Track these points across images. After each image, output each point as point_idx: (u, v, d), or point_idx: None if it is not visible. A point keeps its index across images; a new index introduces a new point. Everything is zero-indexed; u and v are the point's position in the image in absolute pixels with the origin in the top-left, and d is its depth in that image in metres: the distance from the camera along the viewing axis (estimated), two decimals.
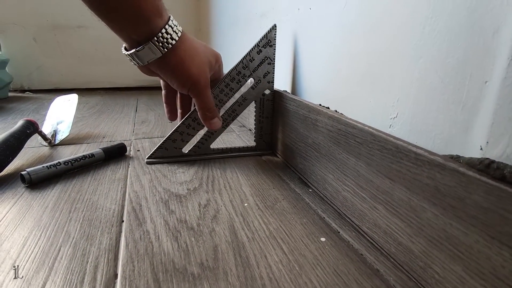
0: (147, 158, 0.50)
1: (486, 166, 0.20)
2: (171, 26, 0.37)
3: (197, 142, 0.52)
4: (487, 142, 0.21)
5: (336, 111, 0.38)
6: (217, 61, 0.46)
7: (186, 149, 0.51)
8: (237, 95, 0.51)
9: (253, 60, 0.48)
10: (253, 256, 0.28)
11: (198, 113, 0.45)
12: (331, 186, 0.37)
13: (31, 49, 1.14)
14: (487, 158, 0.20)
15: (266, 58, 0.49)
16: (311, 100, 0.44)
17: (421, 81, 0.26)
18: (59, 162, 0.43)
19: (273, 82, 0.51)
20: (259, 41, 0.48)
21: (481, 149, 0.21)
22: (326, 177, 0.38)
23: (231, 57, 0.87)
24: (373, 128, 0.30)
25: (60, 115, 0.63)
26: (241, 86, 0.50)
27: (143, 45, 0.36)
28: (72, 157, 0.45)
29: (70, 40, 1.17)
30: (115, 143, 0.58)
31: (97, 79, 1.25)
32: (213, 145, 0.53)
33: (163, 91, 0.48)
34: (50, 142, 0.57)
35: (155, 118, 0.79)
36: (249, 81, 0.50)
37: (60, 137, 0.58)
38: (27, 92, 1.16)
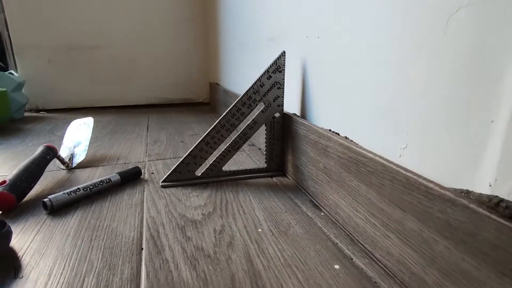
0: (162, 182, 0.52)
1: (495, 204, 0.21)
2: None
3: (210, 164, 0.53)
4: (496, 180, 0.22)
5: (346, 137, 0.39)
6: None
7: (199, 172, 0.53)
8: (248, 118, 0.52)
9: (263, 85, 0.50)
10: (270, 285, 0.29)
11: None
12: (343, 211, 0.38)
13: (46, 71, 1.18)
14: (496, 196, 0.21)
15: (275, 83, 0.50)
16: (320, 125, 0.45)
17: (429, 115, 0.27)
18: (78, 188, 0.45)
19: (282, 106, 0.52)
20: (268, 67, 0.50)
21: (489, 185, 0.22)
22: (338, 202, 0.39)
23: (239, 78, 0.90)
24: (383, 158, 0.31)
25: (77, 138, 0.65)
26: (251, 110, 0.51)
27: None
28: (90, 182, 0.47)
29: (83, 61, 1.21)
30: (130, 165, 0.59)
31: (109, 98, 1.28)
32: (225, 167, 0.54)
33: None
34: (68, 165, 0.59)
35: (166, 137, 0.81)
36: (259, 105, 0.51)
37: (77, 160, 0.60)
38: (42, 112, 1.20)
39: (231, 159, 0.63)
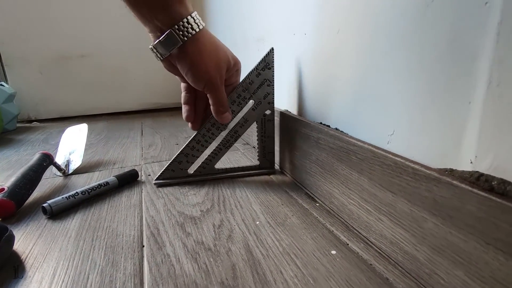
0: (155, 180, 0.52)
1: (476, 179, 0.22)
2: (193, 18, 0.40)
3: (202, 162, 0.54)
4: (476, 157, 0.23)
5: (336, 129, 0.41)
6: (236, 65, 0.48)
7: (191, 170, 0.53)
8: (239, 116, 0.53)
9: (253, 82, 0.51)
10: (270, 272, 0.30)
11: (212, 108, 0.47)
12: (337, 200, 0.39)
13: (37, 81, 1.18)
14: (477, 171, 0.22)
15: (265, 80, 0.52)
16: (311, 119, 0.46)
17: (414, 100, 0.29)
18: (76, 192, 0.46)
19: (273, 103, 0.53)
20: (257, 65, 0.51)
21: (471, 162, 0.23)
22: (332, 191, 0.40)
23: None
24: (372, 145, 0.32)
25: (72, 145, 0.65)
26: (241, 108, 0.52)
27: (165, 32, 0.39)
28: (88, 186, 0.48)
29: (73, 70, 1.20)
30: (126, 169, 0.60)
31: (101, 105, 1.28)
32: (218, 165, 0.55)
33: (182, 93, 0.49)
34: (64, 172, 0.59)
35: (161, 141, 0.81)
36: (249, 102, 0.52)
37: (73, 166, 0.60)
38: (34, 122, 1.19)
39: (226, 158, 0.64)
